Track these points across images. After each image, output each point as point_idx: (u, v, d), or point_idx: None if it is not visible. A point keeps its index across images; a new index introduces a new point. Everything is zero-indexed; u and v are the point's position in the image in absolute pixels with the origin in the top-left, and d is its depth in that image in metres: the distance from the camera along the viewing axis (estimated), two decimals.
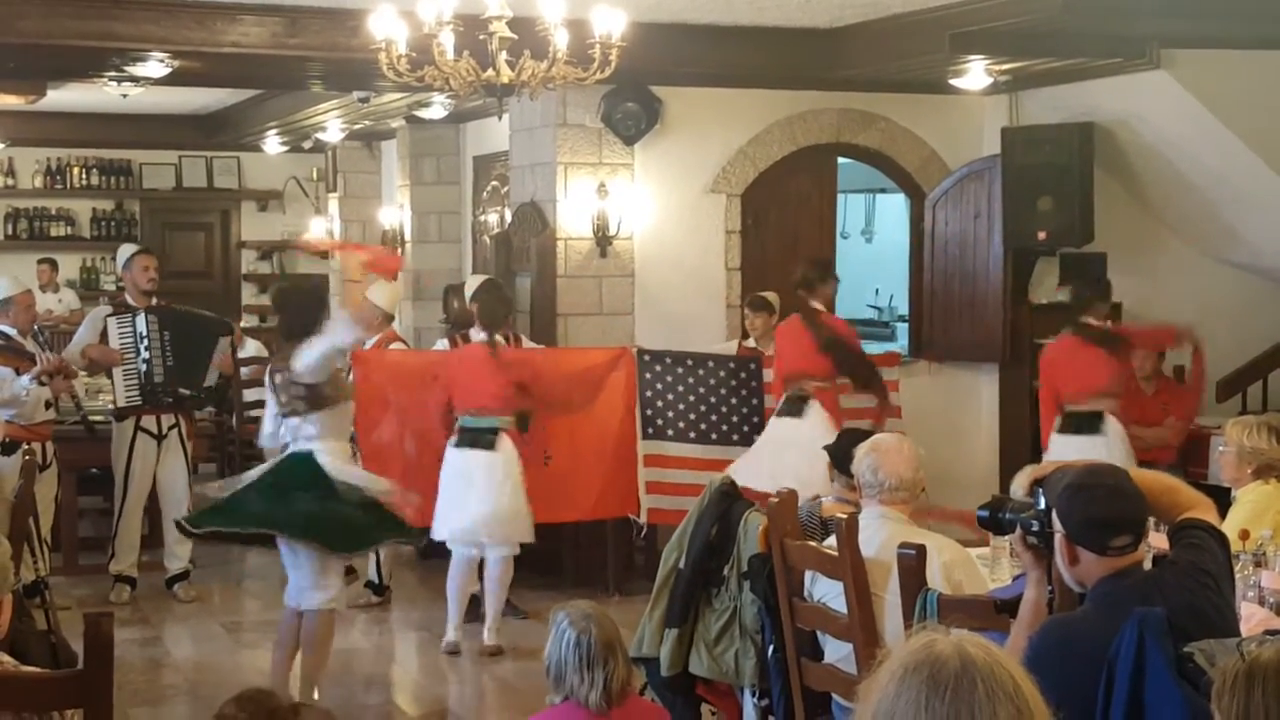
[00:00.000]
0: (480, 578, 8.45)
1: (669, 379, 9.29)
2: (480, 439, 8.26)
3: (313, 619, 6.96)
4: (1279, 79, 9.03)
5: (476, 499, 8.22)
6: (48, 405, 8.78)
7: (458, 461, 8.31)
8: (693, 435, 9.27)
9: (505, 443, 8.25)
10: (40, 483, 8.52)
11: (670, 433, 9.27)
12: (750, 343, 9.58)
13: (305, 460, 6.87)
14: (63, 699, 3.56)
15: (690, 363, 9.33)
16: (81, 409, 9.17)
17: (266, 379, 7.21)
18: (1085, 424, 8.69)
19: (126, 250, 9.78)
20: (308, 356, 6.81)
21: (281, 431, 7.06)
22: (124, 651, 7.47)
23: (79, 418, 9.28)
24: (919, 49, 8.84)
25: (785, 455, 8.38)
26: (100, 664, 3.53)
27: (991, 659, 2.32)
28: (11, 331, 8.86)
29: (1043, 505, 3.62)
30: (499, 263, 11.04)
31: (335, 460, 6.97)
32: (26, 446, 7.94)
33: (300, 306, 7.19)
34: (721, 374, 9.33)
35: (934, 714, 2.26)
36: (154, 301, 9.42)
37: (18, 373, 8.59)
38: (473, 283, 9.07)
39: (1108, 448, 8.44)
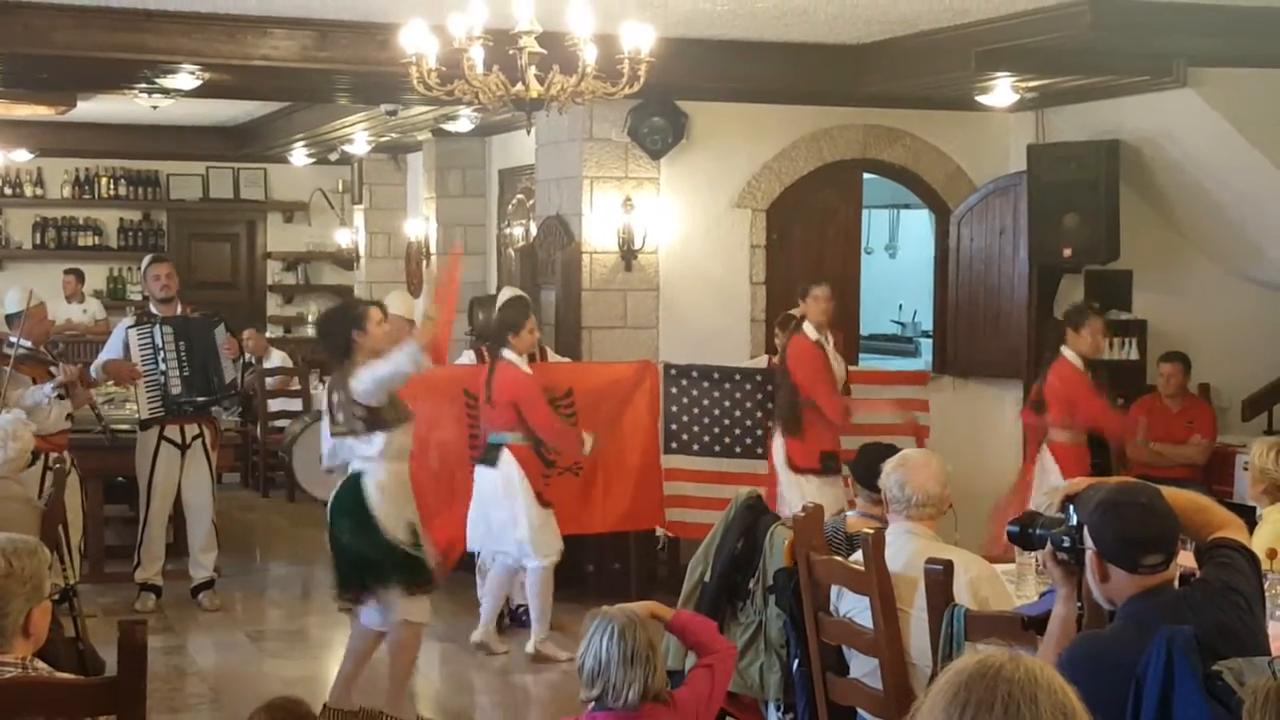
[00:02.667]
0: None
1: (694, 393, 9.31)
2: (488, 455, 8.36)
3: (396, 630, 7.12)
4: None
5: (494, 514, 8.34)
6: (69, 416, 8.80)
7: (477, 477, 8.46)
8: (718, 449, 9.29)
9: (505, 458, 8.28)
10: (68, 492, 8.60)
11: (695, 447, 9.29)
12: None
13: (354, 487, 6.94)
14: (97, 705, 3.59)
15: (716, 377, 9.35)
16: (103, 419, 9.18)
17: (325, 397, 7.19)
18: None
19: (146, 260, 9.86)
20: (367, 380, 6.83)
21: (338, 450, 7.08)
22: (149, 660, 7.49)
23: (101, 428, 9.33)
24: (946, 66, 8.84)
25: None
26: (134, 671, 3.56)
27: (1038, 669, 2.37)
28: (27, 344, 8.88)
29: (1074, 522, 3.63)
30: (524, 276, 11.07)
31: (389, 486, 6.98)
32: (58, 456, 7.98)
33: (331, 330, 7.20)
34: (747, 388, 9.34)
35: (971, 692, 2.32)
36: (178, 310, 9.46)
37: (35, 383, 8.63)
38: (505, 296, 9.14)
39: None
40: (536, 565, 8.34)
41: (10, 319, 9.02)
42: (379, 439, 6.91)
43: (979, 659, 2.36)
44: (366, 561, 6.94)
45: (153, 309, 9.50)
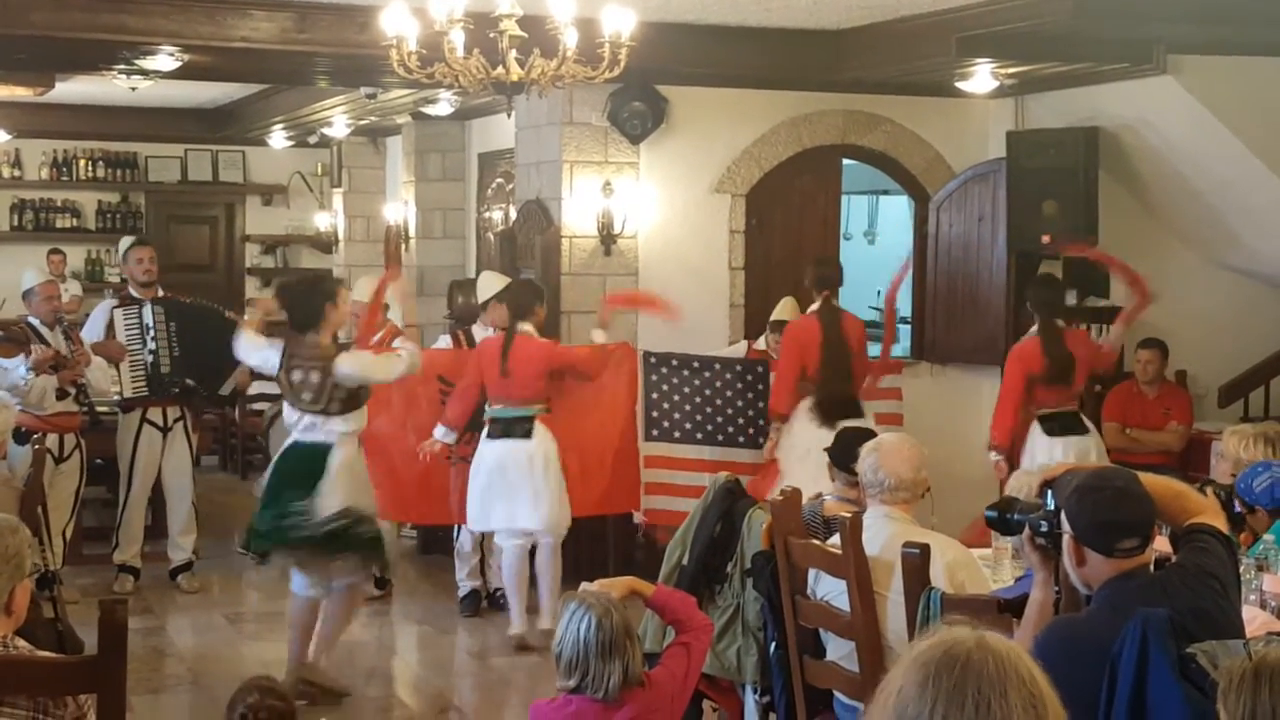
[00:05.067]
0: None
1: (674, 381, 9.29)
2: (514, 429, 8.29)
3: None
4: None
5: (521, 490, 8.26)
6: (63, 396, 8.76)
7: (492, 454, 8.33)
8: (699, 436, 9.27)
9: (540, 430, 8.29)
10: (60, 475, 8.61)
11: (676, 434, 9.27)
12: (760, 345, 9.57)
13: (321, 453, 7.16)
14: (77, 684, 3.59)
15: (696, 364, 9.33)
16: (88, 399, 9.16)
17: (280, 375, 7.28)
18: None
19: (125, 243, 9.87)
20: (356, 373, 7.19)
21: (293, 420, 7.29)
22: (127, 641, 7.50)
23: (85, 407, 9.29)
24: (926, 51, 8.86)
25: None
26: (114, 650, 3.56)
27: (1008, 648, 2.35)
28: (35, 321, 8.89)
29: (1052, 506, 3.65)
30: (503, 260, 11.07)
31: (356, 460, 7.34)
32: (38, 436, 7.97)
33: (303, 297, 7.31)
34: (728, 376, 9.32)
35: (940, 685, 2.29)
36: (159, 293, 9.46)
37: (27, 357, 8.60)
38: (490, 281, 9.15)
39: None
40: (550, 541, 8.33)
41: (26, 295, 9.08)
42: (355, 416, 7.29)
43: (944, 644, 2.32)
44: (331, 529, 7.10)
45: (133, 292, 9.48)
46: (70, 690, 3.58)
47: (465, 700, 7.89)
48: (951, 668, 2.30)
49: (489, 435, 8.35)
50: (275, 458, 7.51)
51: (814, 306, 8.92)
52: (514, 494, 8.26)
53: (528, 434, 8.25)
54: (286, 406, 7.39)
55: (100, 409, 9.46)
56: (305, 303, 7.27)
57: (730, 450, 9.21)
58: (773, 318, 9.53)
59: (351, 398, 7.22)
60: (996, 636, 2.37)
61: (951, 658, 2.31)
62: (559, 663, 4.19)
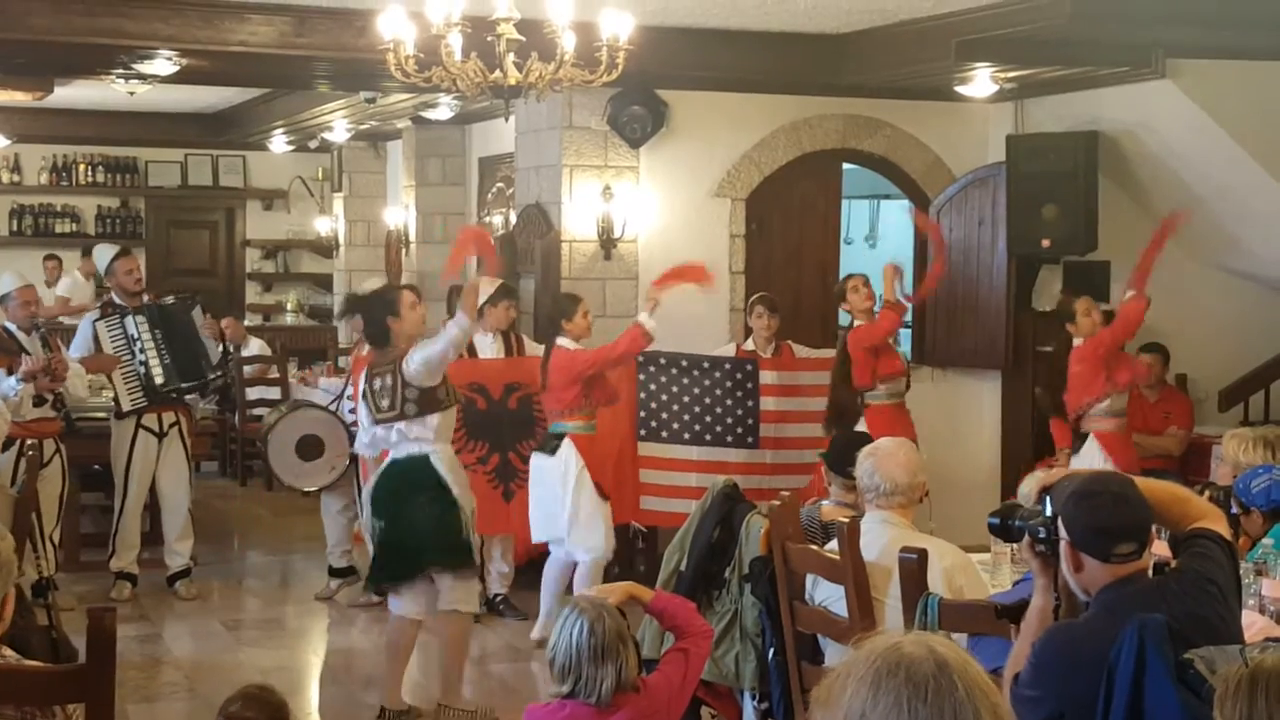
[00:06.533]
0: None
1: (664, 380, 9.29)
2: (548, 444, 8.34)
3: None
4: None
5: (553, 504, 8.29)
6: (36, 403, 8.64)
7: (534, 467, 8.45)
8: (688, 437, 9.26)
9: (566, 448, 8.23)
10: (43, 480, 8.54)
11: (665, 434, 9.27)
12: (749, 346, 9.53)
13: (424, 465, 6.92)
14: (65, 693, 3.56)
15: (685, 364, 9.32)
16: (64, 406, 9.02)
17: (363, 384, 7.11)
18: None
19: (104, 254, 9.66)
20: (418, 361, 6.81)
21: (379, 438, 7.05)
22: (124, 648, 7.43)
23: (62, 413, 9.19)
24: (925, 56, 8.84)
25: None
26: (102, 659, 3.54)
27: (961, 657, 2.32)
28: (11, 327, 8.84)
29: (1049, 512, 3.63)
30: (504, 264, 11.04)
31: (455, 464, 7.08)
32: (31, 442, 7.93)
33: (368, 313, 7.16)
34: (717, 375, 9.32)
35: (916, 715, 2.25)
36: (145, 300, 9.40)
37: (10, 371, 8.54)
38: (483, 286, 9.12)
39: None
40: (584, 559, 8.27)
41: (2, 300, 8.97)
42: (433, 419, 6.93)
43: (904, 669, 2.27)
44: (422, 543, 6.90)
45: (117, 299, 9.41)
46: (58, 700, 3.55)
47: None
48: (921, 693, 2.25)
49: (537, 449, 8.47)
50: (374, 480, 7.14)
51: None
52: (549, 507, 8.31)
53: (554, 450, 8.27)
54: (370, 433, 7.07)
55: (97, 415, 9.42)
56: (370, 319, 7.13)
57: (720, 450, 9.21)
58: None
59: (427, 399, 6.87)
60: (941, 642, 2.33)
61: (917, 683, 2.26)
62: (553, 668, 4.19)
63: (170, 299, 9.63)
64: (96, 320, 9.35)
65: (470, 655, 8.31)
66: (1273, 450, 5.85)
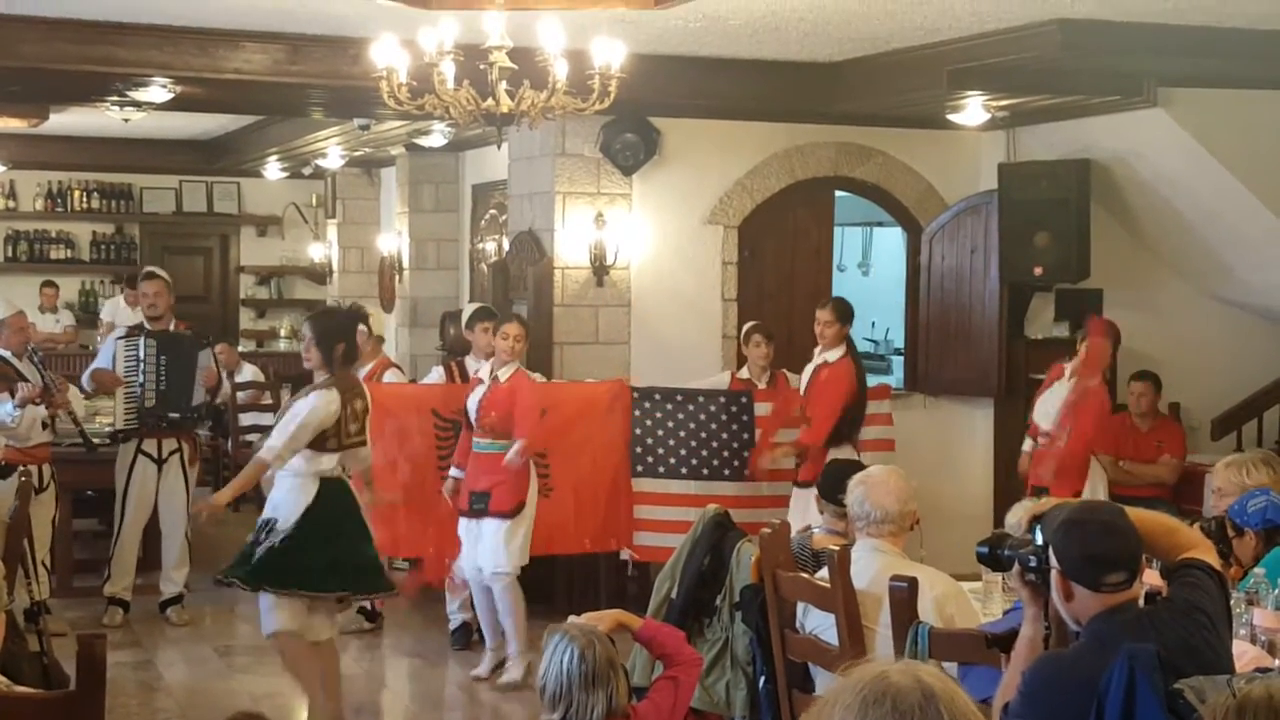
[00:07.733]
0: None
1: (658, 415, 9.25)
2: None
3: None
4: (1275, 118, 9.07)
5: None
6: (45, 426, 8.73)
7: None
8: (684, 471, 9.21)
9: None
10: (37, 505, 8.54)
11: (661, 469, 9.21)
12: (744, 374, 9.52)
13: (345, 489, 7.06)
14: (55, 719, 3.56)
15: (680, 398, 9.27)
16: (80, 427, 9.12)
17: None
18: None
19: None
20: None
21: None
22: (116, 674, 7.46)
23: (79, 437, 9.23)
24: (917, 84, 8.87)
25: None
26: (92, 685, 3.53)
27: (948, 688, 2.32)
28: (5, 353, 8.84)
29: (1040, 541, 3.63)
30: (496, 291, 11.06)
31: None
32: (23, 469, 7.94)
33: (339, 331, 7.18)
34: (712, 409, 9.26)
35: None
36: (170, 326, 9.46)
37: (13, 395, 8.56)
38: (467, 311, 9.16)
39: None
40: (497, 580, 8.17)
41: None
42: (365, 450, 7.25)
43: (890, 699, 2.27)
44: (342, 566, 7.03)
45: (145, 324, 9.50)
46: None
47: None
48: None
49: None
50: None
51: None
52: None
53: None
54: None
55: (96, 440, 9.42)
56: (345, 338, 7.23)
57: (715, 484, 9.14)
58: None
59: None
60: (929, 672, 2.33)
61: (902, 713, 2.26)
62: (543, 695, 4.17)
63: (187, 333, 9.68)
64: (119, 338, 9.49)
65: (461, 684, 8.31)
66: (1272, 467, 5.82)
